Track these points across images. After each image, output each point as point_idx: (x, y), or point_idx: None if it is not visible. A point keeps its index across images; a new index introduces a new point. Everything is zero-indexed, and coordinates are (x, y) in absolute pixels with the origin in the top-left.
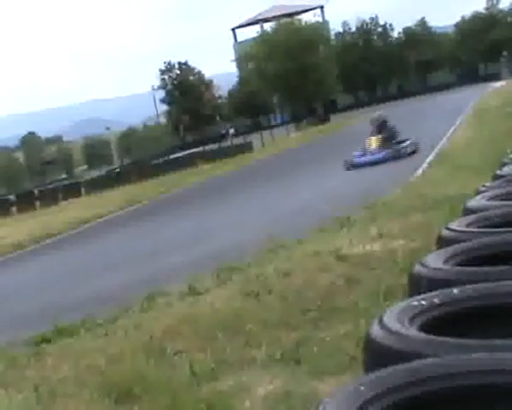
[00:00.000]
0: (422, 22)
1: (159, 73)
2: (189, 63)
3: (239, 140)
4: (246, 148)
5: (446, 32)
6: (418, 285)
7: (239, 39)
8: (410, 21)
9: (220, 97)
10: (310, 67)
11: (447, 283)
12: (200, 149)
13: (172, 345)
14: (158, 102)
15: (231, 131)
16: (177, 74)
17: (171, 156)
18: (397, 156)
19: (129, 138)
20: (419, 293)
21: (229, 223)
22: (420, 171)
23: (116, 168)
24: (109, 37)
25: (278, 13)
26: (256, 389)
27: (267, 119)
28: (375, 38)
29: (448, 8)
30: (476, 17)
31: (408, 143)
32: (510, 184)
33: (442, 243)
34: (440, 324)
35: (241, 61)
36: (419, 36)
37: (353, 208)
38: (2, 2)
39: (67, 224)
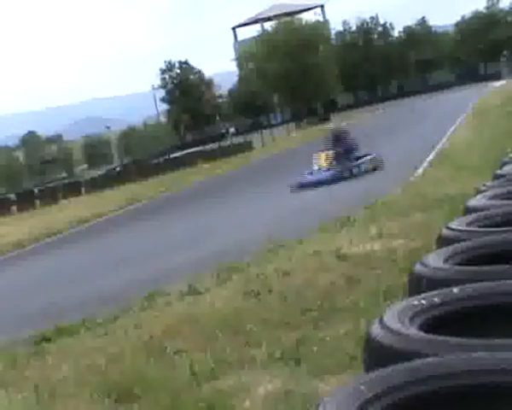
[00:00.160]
0: (423, 21)
1: (159, 72)
2: (190, 62)
3: (239, 139)
4: (246, 147)
5: (447, 31)
6: (418, 285)
7: (239, 38)
8: (411, 21)
9: (221, 97)
10: (310, 66)
11: (447, 282)
12: (200, 148)
13: (172, 345)
14: (158, 101)
15: (231, 130)
16: (178, 73)
17: (172, 155)
18: (347, 176)
19: (129, 137)
20: (419, 292)
21: (230, 222)
22: (420, 170)
23: (116, 167)
24: (110, 36)
25: (279, 12)
26: (256, 388)
27: (267, 118)
28: (376, 37)
29: (448, 8)
30: (476, 16)
31: (366, 158)
32: (511, 184)
33: (442, 242)
34: (440, 323)
35: (241, 60)
36: (419, 35)
37: (353, 208)
38: (3, 2)
39: (68, 223)
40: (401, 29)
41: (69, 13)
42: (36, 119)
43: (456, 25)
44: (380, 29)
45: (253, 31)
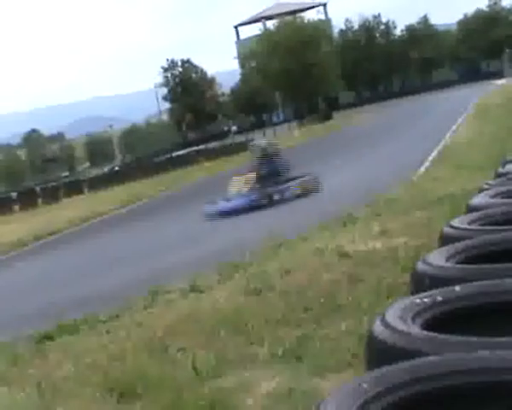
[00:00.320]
0: (425, 20)
1: (161, 70)
2: (193, 61)
3: (241, 138)
4: (248, 146)
5: (448, 29)
6: (421, 283)
7: (242, 37)
8: (413, 20)
9: (223, 95)
10: (312, 64)
11: (449, 280)
12: (202, 146)
13: (174, 343)
14: (160, 99)
15: (234, 128)
16: (180, 72)
17: (174, 154)
18: (264, 203)
19: (131, 136)
20: (421, 291)
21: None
22: (422, 169)
23: (114, 167)
24: (112, 34)
25: (281, 10)
26: (258, 386)
27: (269, 116)
28: (378, 35)
29: (450, 6)
30: (478, 15)
31: (295, 182)
32: None
33: (444, 240)
34: (443, 321)
35: (242, 58)
36: (421, 34)
37: (356, 206)
38: (4, 0)
39: (69, 222)
40: (403, 27)
41: (71, 11)
42: (37, 117)
43: (459, 23)
44: (382, 28)
45: (255, 29)
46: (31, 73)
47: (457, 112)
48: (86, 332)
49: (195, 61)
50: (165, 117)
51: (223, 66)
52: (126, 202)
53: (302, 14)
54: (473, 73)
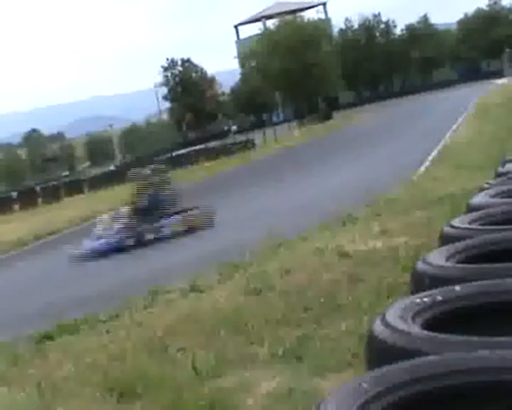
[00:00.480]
0: (425, 19)
1: (161, 69)
2: (193, 60)
3: (241, 137)
4: (248, 145)
5: (449, 29)
6: (421, 283)
7: (242, 36)
8: (413, 19)
9: (223, 94)
10: (311, 64)
11: (450, 280)
12: (202, 146)
13: (174, 343)
14: (160, 99)
15: (234, 128)
16: (180, 71)
17: (174, 153)
18: (131, 244)
19: (131, 135)
20: (422, 290)
21: (232, 219)
22: (422, 168)
23: (111, 167)
24: (112, 33)
25: (281, 10)
26: (258, 386)
27: (270, 116)
28: (378, 35)
29: (450, 6)
30: (479, 14)
31: (176, 218)
32: None
33: (445, 240)
34: (443, 321)
35: (242, 58)
36: (421, 33)
37: (356, 206)
38: (4, 1)
39: (69, 221)
40: (403, 27)
41: (71, 10)
42: (37, 117)
43: (459, 23)
44: (382, 27)
45: (255, 29)
46: (31, 73)
47: (457, 111)
48: (86, 332)
49: (195, 60)
50: (165, 117)
51: (223, 65)
52: (126, 202)
53: (302, 13)
54: (473, 73)
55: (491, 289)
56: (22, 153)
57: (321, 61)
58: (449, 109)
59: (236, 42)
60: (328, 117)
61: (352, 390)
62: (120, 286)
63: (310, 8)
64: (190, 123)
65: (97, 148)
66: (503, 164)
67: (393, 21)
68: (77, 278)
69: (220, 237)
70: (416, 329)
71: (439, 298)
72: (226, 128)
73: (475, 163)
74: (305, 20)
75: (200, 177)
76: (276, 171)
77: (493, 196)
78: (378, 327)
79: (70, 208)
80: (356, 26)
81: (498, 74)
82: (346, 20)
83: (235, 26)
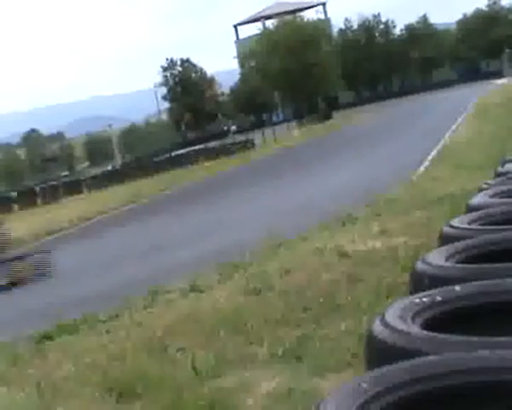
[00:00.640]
0: (424, 19)
1: (161, 70)
2: (192, 60)
3: (241, 137)
4: (247, 145)
5: (448, 29)
6: (420, 283)
7: (241, 36)
8: (412, 19)
9: (222, 94)
10: (311, 63)
11: (449, 280)
12: (202, 146)
13: (174, 342)
14: (160, 99)
15: (233, 128)
16: (179, 71)
17: (173, 154)
18: None
19: (131, 135)
20: (421, 290)
21: (233, 218)
22: (422, 168)
23: (109, 167)
24: (111, 34)
25: (280, 10)
26: (258, 386)
27: (269, 116)
28: (377, 35)
29: (450, 6)
30: (478, 14)
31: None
32: None
33: (444, 240)
34: (442, 321)
35: (242, 58)
36: (421, 33)
37: (355, 205)
38: (4, 0)
39: (69, 221)
40: (403, 27)
41: (71, 10)
42: (37, 117)
43: (458, 23)
44: (381, 27)
45: (254, 29)
46: (30, 73)
47: (457, 111)
48: (86, 332)
49: (195, 60)
50: (164, 117)
51: (222, 65)
52: (126, 202)
53: (301, 13)
54: (472, 73)
55: (491, 289)
56: (21, 153)
57: (320, 62)
58: (448, 109)
59: (236, 42)
60: (327, 117)
61: (351, 390)
62: None
63: (309, 8)
64: (190, 123)
65: (96, 148)
66: (503, 164)
67: (393, 21)
68: None
69: (220, 237)
70: (415, 329)
71: (439, 298)
72: (225, 128)
73: (475, 163)
74: (305, 20)
75: (199, 177)
76: (276, 171)
77: (493, 196)
78: (377, 327)
79: (69, 208)
80: (355, 26)
81: (498, 74)
82: (346, 20)
83: (235, 26)
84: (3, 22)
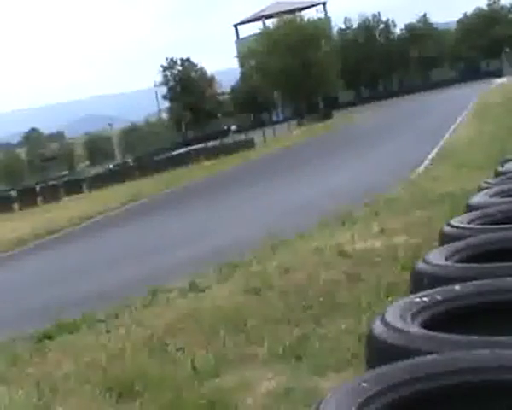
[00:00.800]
0: (424, 19)
1: (161, 69)
2: (193, 60)
3: (240, 137)
4: (247, 144)
5: (448, 28)
6: (420, 282)
7: (241, 36)
8: (412, 19)
9: (222, 94)
10: (311, 62)
11: (449, 279)
12: (202, 145)
13: (174, 342)
14: (160, 98)
15: (233, 127)
16: (179, 71)
17: (173, 153)
18: None
19: (131, 135)
20: (421, 290)
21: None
22: (422, 168)
23: (111, 166)
24: (111, 33)
25: (280, 9)
26: (258, 385)
27: (269, 115)
28: (378, 34)
29: (450, 5)
30: (478, 14)
31: None
32: None
33: (444, 239)
34: (442, 320)
35: (242, 57)
36: (421, 33)
37: (355, 204)
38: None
39: (69, 220)
40: (403, 26)
41: (71, 10)
42: (37, 116)
43: (458, 22)
44: (382, 27)
45: (254, 28)
46: (30, 72)
47: (457, 111)
48: (85, 331)
49: (195, 60)
50: (164, 116)
51: (222, 65)
52: (126, 201)
53: (301, 12)
54: (472, 73)
55: (491, 288)
56: (21, 152)
57: (320, 61)
58: (448, 109)
59: (236, 41)
60: (327, 116)
61: (351, 390)
62: None
63: (309, 7)
64: (190, 122)
65: (97, 147)
66: (503, 164)
67: (393, 21)
68: None
69: (220, 236)
70: (415, 328)
71: (439, 297)
72: (225, 128)
73: (475, 163)
74: (305, 20)
75: (200, 176)
76: (276, 170)
77: (492, 196)
78: (378, 326)
79: (70, 208)
80: (355, 25)
81: (498, 74)
82: (346, 19)
83: (235, 26)
84: (3, 21)
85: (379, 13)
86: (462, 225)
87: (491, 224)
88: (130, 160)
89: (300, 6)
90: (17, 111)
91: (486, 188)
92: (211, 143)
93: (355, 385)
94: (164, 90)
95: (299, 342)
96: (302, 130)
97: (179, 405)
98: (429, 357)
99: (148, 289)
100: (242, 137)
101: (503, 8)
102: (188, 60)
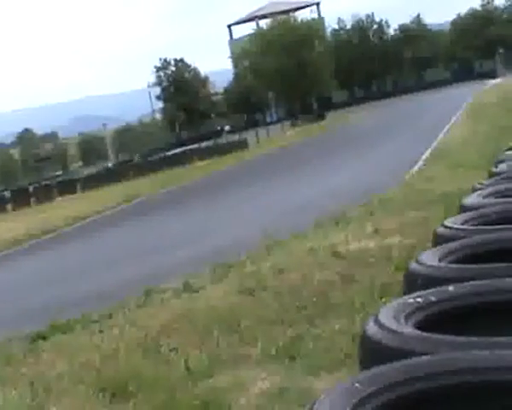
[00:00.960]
0: (418, 19)
1: (154, 69)
2: (187, 60)
3: (234, 137)
4: (241, 145)
5: (442, 29)
6: (414, 283)
7: (236, 36)
8: (406, 20)
9: (216, 94)
10: (305, 63)
11: (443, 280)
12: (195, 145)
13: (168, 342)
14: (154, 98)
15: (227, 128)
16: (173, 71)
17: (167, 153)
18: None
19: (125, 135)
20: (415, 290)
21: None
22: (416, 168)
23: (109, 164)
24: (105, 34)
25: (274, 10)
26: (251, 385)
27: (263, 116)
28: (371, 35)
29: (444, 6)
30: (472, 14)
31: None
32: (506, 182)
33: (438, 240)
34: (436, 321)
35: (236, 58)
36: (415, 33)
37: (350, 205)
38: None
39: (64, 220)
40: (397, 27)
41: (65, 11)
42: (31, 117)
43: (452, 23)
44: (375, 27)
45: (248, 29)
46: (24, 72)
47: (451, 111)
48: (79, 331)
49: (189, 60)
50: (158, 116)
51: (216, 65)
52: (121, 202)
53: (295, 13)
54: (466, 73)
55: (485, 289)
56: (15, 152)
57: (314, 61)
58: (443, 109)
59: (230, 42)
60: (321, 117)
61: (345, 390)
62: None
63: (303, 7)
64: (183, 123)
65: (90, 148)
66: (497, 164)
67: (387, 22)
68: None
69: (219, 237)
70: (409, 329)
71: (433, 298)
72: (219, 128)
73: (470, 163)
74: (299, 20)
75: (194, 176)
76: (269, 170)
77: (486, 197)
78: (371, 327)
79: (64, 208)
80: (349, 26)
81: (491, 75)
82: (339, 20)
83: (229, 26)
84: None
85: (372, 13)
86: (455, 226)
87: (484, 225)
88: (119, 160)
89: (294, 6)
90: (11, 111)
91: (480, 189)
92: (204, 144)
93: (349, 386)
94: (158, 90)
95: (293, 343)
96: (296, 130)
97: (173, 405)
98: (424, 358)
99: (143, 289)
100: (236, 137)
101: (496, 8)
102: (181, 60)
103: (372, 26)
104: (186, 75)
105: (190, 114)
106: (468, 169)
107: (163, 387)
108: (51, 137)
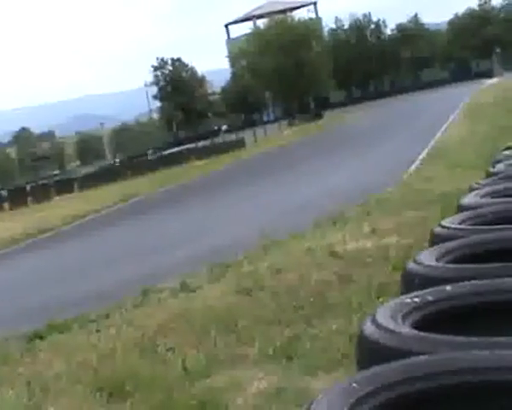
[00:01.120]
0: (415, 19)
1: (151, 69)
2: (184, 60)
3: (231, 137)
4: (238, 144)
5: (439, 28)
6: (411, 282)
7: (232, 36)
8: (403, 19)
9: (213, 94)
10: (302, 62)
11: (440, 280)
12: (192, 145)
13: (165, 342)
14: (151, 98)
15: (224, 127)
16: (170, 70)
17: (164, 153)
18: None
19: (122, 135)
20: (412, 290)
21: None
22: (413, 168)
23: (111, 161)
24: (103, 33)
25: (271, 9)
26: (249, 385)
27: (260, 115)
28: (369, 34)
29: (441, 6)
30: (469, 14)
31: None
32: (503, 181)
33: (435, 240)
34: (433, 321)
35: (233, 57)
36: (412, 32)
37: (348, 204)
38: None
39: (61, 219)
40: (394, 26)
41: (63, 10)
42: (28, 115)
43: (449, 23)
44: (373, 27)
45: (245, 28)
46: (22, 71)
47: (448, 111)
48: (77, 331)
49: (187, 60)
50: (155, 116)
51: (213, 65)
52: (119, 201)
53: (292, 12)
54: (463, 73)
55: (482, 289)
56: (12, 152)
57: (311, 61)
58: (440, 109)
59: (227, 41)
60: (318, 116)
61: (342, 390)
62: None
63: (300, 7)
64: (181, 122)
65: (87, 147)
66: (494, 164)
67: (384, 21)
68: None
69: (218, 236)
70: (406, 329)
71: (430, 298)
72: (216, 127)
73: (467, 163)
74: (296, 20)
75: (192, 176)
76: (267, 169)
77: (483, 196)
78: (368, 327)
79: (61, 207)
80: (346, 25)
81: (488, 74)
82: (337, 19)
83: (226, 26)
84: None
85: (370, 13)
86: (453, 226)
87: (482, 224)
88: (116, 160)
89: (291, 6)
90: (8, 110)
91: (477, 188)
92: (201, 143)
93: (346, 386)
94: (155, 90)
95: (290, 343)
96: (293, 130)
97: (170, 405)
98: (422, 357)
99: (140, 289)
100: (233, 137)
101: (493, 8)
102: (178, 60)
103: (369, 25)
104: (183, 75)
105: (188, 114)
106: (466, 169)
107: (160, 387)
108: (48, 136)
